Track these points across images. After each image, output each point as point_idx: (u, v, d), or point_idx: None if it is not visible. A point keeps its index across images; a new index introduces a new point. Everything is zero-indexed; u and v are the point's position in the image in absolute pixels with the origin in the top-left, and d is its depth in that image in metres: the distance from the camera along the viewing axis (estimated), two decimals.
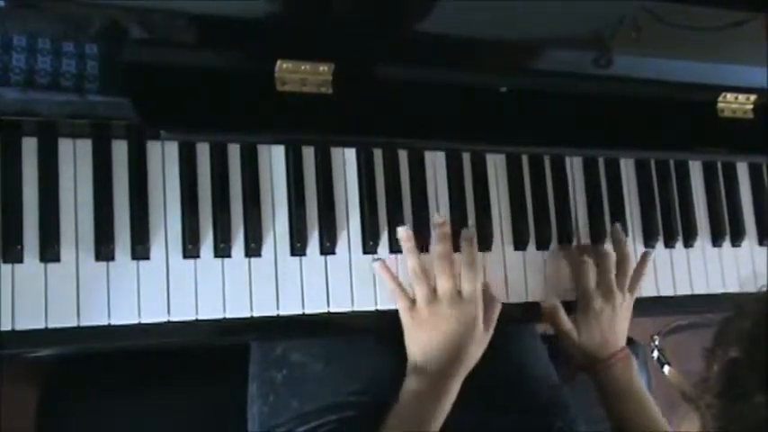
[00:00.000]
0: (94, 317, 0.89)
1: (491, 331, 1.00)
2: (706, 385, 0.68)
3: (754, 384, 0.64)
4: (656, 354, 0.86)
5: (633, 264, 1.10)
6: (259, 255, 0.96)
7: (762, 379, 0.64)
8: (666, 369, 0.83)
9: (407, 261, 0.99)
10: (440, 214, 1.03)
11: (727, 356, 0.67)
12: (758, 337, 0.66)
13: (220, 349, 1.09)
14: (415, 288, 0.98)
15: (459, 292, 0.97)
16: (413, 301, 0.97)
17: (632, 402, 1.04)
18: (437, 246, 0.99)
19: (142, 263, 0.92)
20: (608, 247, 1.10)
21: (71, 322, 0.88)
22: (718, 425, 0.66)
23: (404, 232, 0.99)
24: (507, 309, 1.06)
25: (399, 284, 0.99)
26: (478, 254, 1.02)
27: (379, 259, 1.00)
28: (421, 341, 0.96)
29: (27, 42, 0.87)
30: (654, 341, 0.86)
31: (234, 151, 0.97)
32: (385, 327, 1.00)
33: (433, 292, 0.97)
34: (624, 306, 1.07)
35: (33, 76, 0.87)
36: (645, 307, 1.12)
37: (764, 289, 0.72)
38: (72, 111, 0.89)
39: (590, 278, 1.06)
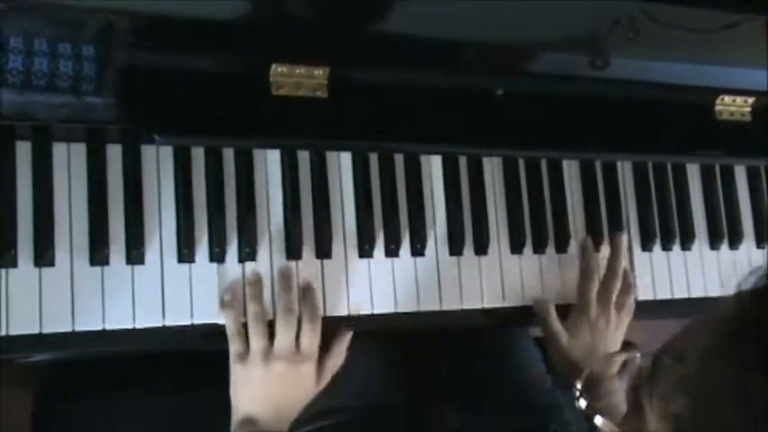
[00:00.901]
0: (89, 322, 0.89)
1: (323, 384, 0.95)
2: None
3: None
4: (582, 403, 0.75)
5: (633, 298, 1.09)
6: (254, 259, 0.96)
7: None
8: (598, 420, 0.74)
9: (248, 308, 0.93)
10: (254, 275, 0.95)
11: (669, 412, 0.57)
12: (704, 386, 0.56)
13: (217, 352, 1.09)
14: (251, 338, 0.92)
15: (297, 349, 0.92)
16: (246, 351, 0.92)
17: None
18: (281, 297, 0.94)
19: (137, 267, 0.92)
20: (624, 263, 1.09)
21: (66, 327, 0.88)
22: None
23: (253, 277, 0.94)
24: (503, 312, 1.06)
25: (240, 330, 0.92)
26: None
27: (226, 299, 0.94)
28: (248, 396, 0.92)
29: (24, 44, 0.87)
30: (577, 388, 0.78)
31: (229, 155, 0.97)
32: (381, 330, 1.00)
33: (269, 347, 0.92)
34: (618, 328, 1.06)
35: (30, 77, 0.87)
36: (642, 310, 1.12)
37: (699, 319, 0.61)
38: (69, 112, 0.88)
39: (595, 286, 1.06)
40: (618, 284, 1.07)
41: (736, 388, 0.54)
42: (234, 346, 0.92)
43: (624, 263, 1.09)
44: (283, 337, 0.92)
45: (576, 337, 1.04)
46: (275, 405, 0.92)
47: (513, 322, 1.08)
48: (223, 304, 0.94)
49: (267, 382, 0.91)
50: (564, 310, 1.07)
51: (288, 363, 0.91)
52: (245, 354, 0.92)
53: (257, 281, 0.94)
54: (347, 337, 0.97)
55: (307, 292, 0.96)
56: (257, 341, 0.91)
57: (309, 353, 0.93)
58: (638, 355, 0.72)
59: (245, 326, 0.93)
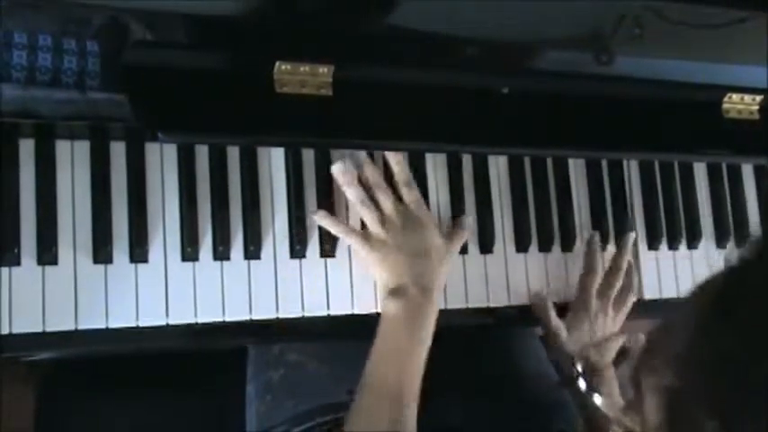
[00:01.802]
0: (92, 320, 0.89)
1: (456, 246, 1.00)
2: (644, 418, 0.61)
3: (703, 412, 0.55)
4: (582, 384, 0.77)
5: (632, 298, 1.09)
6: (258, 257, 0.96)
7: (710, 405, 0.55)
8: (597, 398, 0.74)
9: (348, 193, 0.98)
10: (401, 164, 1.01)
11: (662, 384, 0.58)
12: (692, 360, 0.57)
13: (219, 350, 1.09)
14: (363, 216, 0.97)
15: (403, 203, 0.98)
16: (366, 231, 0.97)
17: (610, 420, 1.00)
18: (367, 173, 0.99)
19: (140, 266, 0.92)
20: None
21: (69, 326, 0.88)
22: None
23: (340, 166, 0.98)
24: (509, 311, 1.05)
25: (347, 225, 0.98)
26: None
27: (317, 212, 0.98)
28: (387, 264, 0.96)
29: (28, 39, 0.87)
30: (575, 366, 0.78)
31: (233, 153, 0.97)
32: None
33: (381, 214, 0.97)
34: (612, 322, 1.06)
35: (34, 73, 0.87)
36: (648, 309, 1.11)
37: (689, 295, 0.63)
38: (73, 108, 0.88)
39: (596, 282, 1.06)
40: (619, 282, 1.07)
41: (723, 358, 0.55)
42: (353, 239, 0.96)
43: (628, 262, 1.09)
44: (385, 199, 0.97)
45: (576, 332, 1.04)
46: (415, 260, 0.95)
47: (518, 321, 1.07)
48: (320, 217, 0.97)
49: (397, 247, 0.95)
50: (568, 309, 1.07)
51: (404, 223, 0.96)
52: (367, 233, 0.97)
53: (345, 171, 0.98)
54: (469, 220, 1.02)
55: (397, 160, 1.00)
56: (369, 214, 0.96)
57: (417, 204, 0.98)
58: (642, 336, 0.73)
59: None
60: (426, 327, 0.93)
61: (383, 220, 0.97)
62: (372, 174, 0.99)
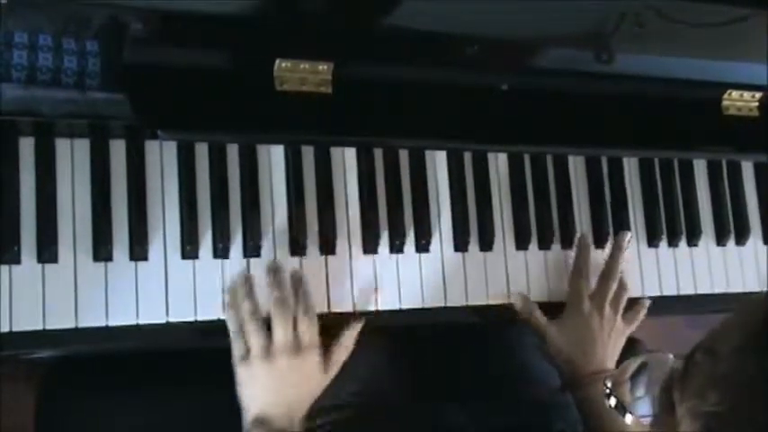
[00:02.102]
0: (92, 318, 0.89)
1: (333, 372, 0.94)
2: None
3: None
4: (612, 401, 0.73)
5: (627, 294, 1.07)
6: (258, 255, 0.96)
7: (756, 428, 0.54)
8: (629, 419, 0.73)
9: (243, 306, 0.91)
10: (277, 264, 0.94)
11: (702, 409, 0.57)
12: (740, 382, 0.56)
13: (220, 349, 1.09)
14: (250, 337, 0.90)
15: (296, 338, 0.91)
16: (247, 352, 0.91)
17: (613, 429, 0.97)
18: (274, 293, 0.92)
19: (140, 264, 0.92)
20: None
21: (69, 323, 0.88)
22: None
23: (241, 278, 0.93)
24: (509, 309, 1.05)
25: (240, 332, 0.91)
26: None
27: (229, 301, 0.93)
28: (257, 396, 0.91)
29: (28, 39, 0.87)
30: (606, 385, 0.77)
31: (233, 151, 0.97)
32: (383, 327, 1.00)
33: (269, 344, 0.90)
34: (615, 329, 1.04)
35: (35, 72, 0.87)
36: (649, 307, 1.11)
37: (731, 316, 0.61)
38: (73, 107, 0.88)
39: (585, 282, 1.05)
40: (614, 284, 1.06)
41: None
42: (236, 347, 0.91)
43: (622, 263, 1.08)
44: (281, 330, 0.91)
45: (568, 332, 1.03)
46: (285, 401, 0.91)
47: (518, 319, 1.07)
48: (225, 305, 0.92)
49: (273, 379, 0.90)
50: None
51: (290, 356, 0.90)
52: (246, 354, 0.91)
53: (246, 279, 0.93)
54: (358, 327, 0.96)
55: (297, 283, 0.94)
56: (256, 338, 0.90)
57: (310, 343, 0.92)
58: (671, 356, 0.72)
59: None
60: None
61: (268, 352, 0.90)
62: (277, 293, 0.92)
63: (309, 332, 0.92)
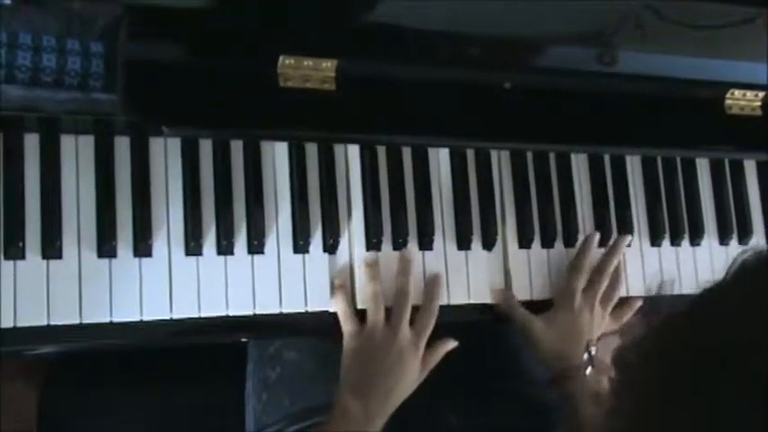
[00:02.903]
0: (96, 314, 0.89)
1: (420, 380, 0.97)
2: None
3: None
4: (589, 370, 0.77)
5: (619, 293, 1.08)
6: (262, 252, 0.96)
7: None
8: (589, 370, 0.75)
9: (367, 287, 0.96)
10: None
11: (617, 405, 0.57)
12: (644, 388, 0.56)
13: (221, 347, 1.09)
14: (369, 313, 0.95)
15: (411, 332, 0.95)
16: (361, 329, 0.95)
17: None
18: (398, 279, 0.97)
19: (144, 260, 0.92)
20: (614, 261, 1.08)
21: (73, 320, 0.88)
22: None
23: (370, 259, 0.98)
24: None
25: (353, 311, 0.96)
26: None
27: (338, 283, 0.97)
28: (350, 382, 0.93)
29: (32, 40, 0.87)
30: (590, 352, 0.77)
31: (237, 148, 0.97)
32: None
33: (386, 319, 0.95)
34: (601, 325, 1.04)
35: (38, 73, 0.87)
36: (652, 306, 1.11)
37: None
38: (76, 108, 0.88)
39: (582, 280, 1.05)
40: (605, 282, 1.06)
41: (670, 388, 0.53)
42: (347, 327, 0.95)
43: (616, 262, 1.08)
44: (397, 316, 0.95)
45: (556, 327, 1.02)
46: (375, 391, 0.92)
47: (498, 313, 1.06)
48: (334, 288, 0.96)
49: (378, 356, 0.93)
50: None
51: (399, 341, 0.94)
52: (359, 331, 0.94)
53: (375, 262, 0.97)
54: (450, 345, 0.99)
55: (431, 281, 0.99)
56: (375, 315, 0.94)
57: (420, 337, 0.95)
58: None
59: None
60: None
61: (383, 326, 0.95)
62: (403, 282, 0.98)
63: (425, 329, 0.96)
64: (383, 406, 0.93)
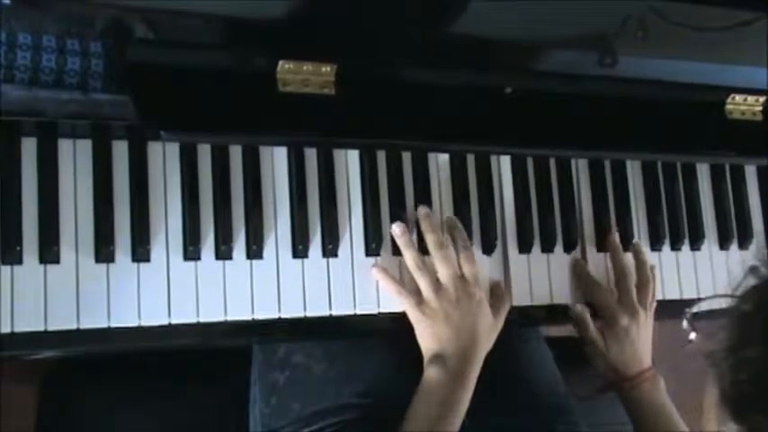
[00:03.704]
0: (94, 319, 0.89)
1: (501, 320, 1.00)
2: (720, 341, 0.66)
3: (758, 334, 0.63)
4: (684, 323, 0.83)
5: (654, 283, 1.10)
6: (261, 257, 0.96)
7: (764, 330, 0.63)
8: (692, 335, 0.80)
9: (405, 256, 0.98)
10: (424, 208, 1.02)
11: (739, 311, 0.66)
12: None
13: (221, 350, 1.09)
14: (418, 281, 0.97)
15: (462, 276, 0.98)
16: (419, 297, 0.97)
17: (661, 422, 1.03)
18: (429, 237, 0.99)
19: (142, 265, 0.91)
20: (628, 260, 1.10)
21: (71, 324, 0.88)
22: (730, 378, 0.64)
23: (398, 228, 0.99)
24: (511, 312, 1.05)
25: (401, 284, 0.98)
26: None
27: (376, 265, 0.99)
28: (435, 333, 0.96)
29: (32, 40, 0.87)
30: (687, 317, 0.83)
31: (235, 152, 0.96)
32: (387, 329, 1.00)
33: (437, 281, 0.97)
34: (647, 324, 1.07)
35: (38, 74, 0.87)
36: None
37: None
38: (76, 109, 0.88)
39: (608, 294, 1.07)
40: (632, 283, 1.07)
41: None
42: (407, 300, 0.96)
43: (649, 263, 1.10)
44: (445, 269, 0.97)
45: (617, 346, 1.06)
46: (461, 333, 0.95)
47: (521, 321, 1.07)
48: (376, 272, 0.98)
49: (445, 314, 0.95)
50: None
51: (458, 289, 0.96)
52: (419, 297, 0.96)
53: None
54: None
55: (452, 225, 1.01)
56: (424, 278, 0.96)
57: (474, 278, 0.98)
58: None
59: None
60: (461, 399, 0.94)
61: (436, 288, 0.97)
62: (433, 236, 0.99)
63: (471, 268, 0.98)
64: (465, 365, 0.95)
